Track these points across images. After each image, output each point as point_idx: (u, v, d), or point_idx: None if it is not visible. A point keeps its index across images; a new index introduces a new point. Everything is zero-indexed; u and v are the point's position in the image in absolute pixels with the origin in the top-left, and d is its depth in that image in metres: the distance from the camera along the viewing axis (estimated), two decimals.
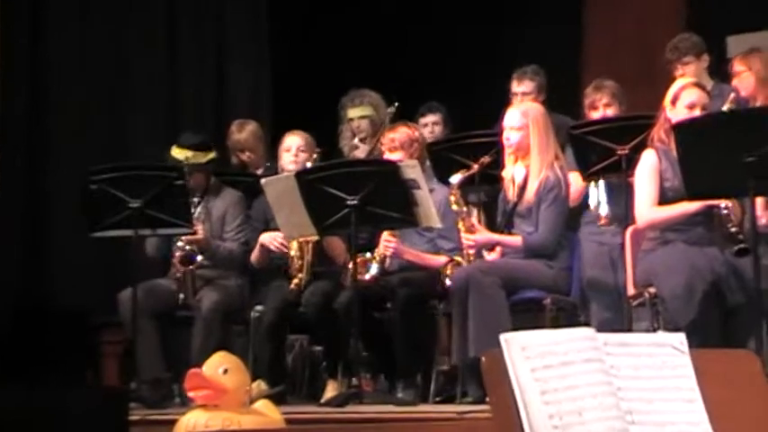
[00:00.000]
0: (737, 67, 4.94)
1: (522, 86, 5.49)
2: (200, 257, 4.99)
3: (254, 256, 5.10)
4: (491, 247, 4.75)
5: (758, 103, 4.88)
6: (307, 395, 5.23)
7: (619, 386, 1.78)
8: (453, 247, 4.82)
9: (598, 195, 4.89)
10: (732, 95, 4.82)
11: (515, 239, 4.64)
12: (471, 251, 4.71)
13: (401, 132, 4.94)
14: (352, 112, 5.75)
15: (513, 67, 5.62)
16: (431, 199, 4.55)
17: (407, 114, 5.72)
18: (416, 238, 4.95)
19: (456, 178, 4.69)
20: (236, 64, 7.15)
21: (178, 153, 5.10)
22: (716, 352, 2.05)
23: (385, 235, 4.83)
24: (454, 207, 4.68)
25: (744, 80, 4.89)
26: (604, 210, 4.82)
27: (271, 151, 5.59)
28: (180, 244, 4.98)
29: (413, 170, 4.54)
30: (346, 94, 5.88)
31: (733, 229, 4.09)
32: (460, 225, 4.69)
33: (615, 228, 4.77)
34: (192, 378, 2.94)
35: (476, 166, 4.76)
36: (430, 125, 5.85)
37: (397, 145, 4.87)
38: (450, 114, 5.93)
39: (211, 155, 5.19)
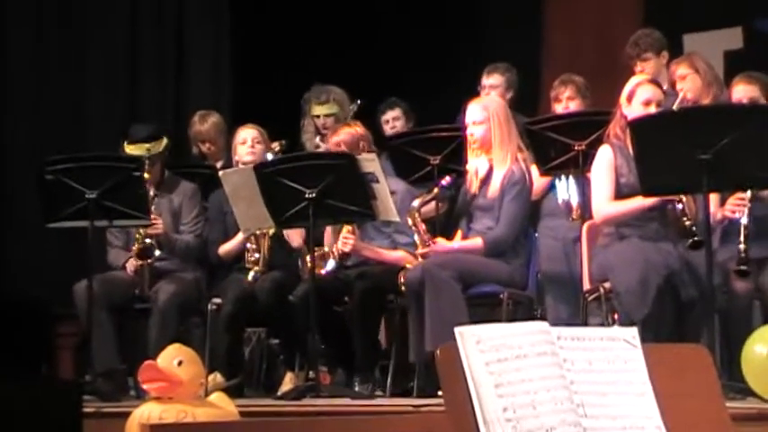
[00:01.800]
0: (682, 70, 4.98)
1: (491, 79, 5.52)
2: (158, 252, 4.96)
3: (227, 249, 5.08)
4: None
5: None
6: (264, 388, 5.22)
7: (572, 379, 1.79)
8: (410, 241, 4.82)
9: (567, 189, 4.92)
10: (681, 96, 4.86)
11: (475, 242, 4.65)
12: (427, 240, 4.72)
13: (344, 134, 4.94)
14: (318, 110, 5.72)
15: (475, 65, 5.65)
16: (389, 192, 4.56)
17: (370, 110, 5.70)
18: (374, 234, 4.95)
19: (416, 202, 4.70)
20: (196, 55, 7.11)
21: (134, 149, 5.05)
22: (668, 346, 2.07)
23: (343, 231, 4.82)
24: (413, 228, 4.68)
25: (690, 82, 4.94)
26: (575, 202, 4.85)
27: (229, 144, 5.56)
28: (139, 237, 4.95)
29: (371, 163, 4.54)
30: (309, 88, 5.86)
31: (687, 222, 4.14)
32: (417, 240, 4.68)
33: (577, 222, 4.80)
34: (146, 370, 2.92)
35: (436, 190, 4.77)
36: (391, 121, 5.85)
37: (343, 148, 4.86)
38: (412, 110, 5.93)
39: (166, 141, 5.16)
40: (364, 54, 6.78)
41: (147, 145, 5.05)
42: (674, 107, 4.72)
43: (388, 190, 4.54)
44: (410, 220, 4.69)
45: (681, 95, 4.83)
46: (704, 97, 4.92)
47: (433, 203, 4.84)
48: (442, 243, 4.69)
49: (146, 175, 4.86)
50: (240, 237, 5.01)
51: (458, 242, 4.71)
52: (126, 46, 6.92)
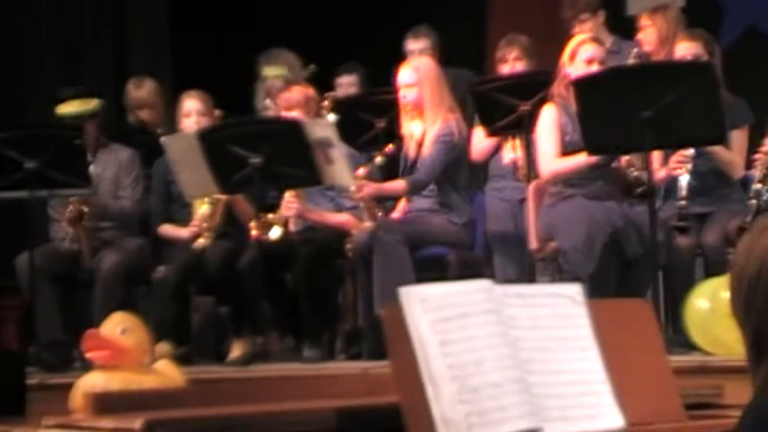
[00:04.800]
0: (644, 21, 5.02)
1: (418, 43, 5.50)
2: (82, 207, 4.86)
3: (168, 234, 5.03)
4: (384, 199, 4.77)
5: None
6: (213, 356, 5.18)
7: (517, 336, 1.79)
8: (355, 204, 4.82)
9: (517, 151, 4.92)
10: (635, 50, 4.90)
11: (399, 184, 4.71)
12: (373, 207, 4.73)
13: (296, 91, 4.92)
14: (267, 71, 5.66)
15: (418, 25, 5.60)
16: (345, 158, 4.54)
17: (323, 76, 5.63)
18: (319, 197, 4.93)
19: (360, 171, 4.71)
20: (134, 20, 6.98)
21: (64, 107, 4.97)
22: (611, 301, 2.09)
23: (287, 196, 4.80)
24: (357, 197, 4.70)
25: (648, 35, 4.98)
26: (521, 162, 4.86)
27: (170, 110, 5.47)
28: (70, 209, 4.87)
29: (326, 128, 4.51)
30: (251, 51, 5.79)
31: (635, 174, 4.19)
32: (362, 208, 4.71)
33: (524, 182, 4.82)
34: (89, 339, 2.87)
35: (379, 158, 4.77)
36: (345, 86, 5.80)
37: (293, 104, 4.84)
38: (368, 77, 5.86)
39: (97, 101, 5.08)
40: (307, 16, 6.70)
41: (77, 102, 4.97)
42: (631, 57, 4.76)
43: (343, 154, 4.52)
44: (354, 188, 4.68)
45: (635, 50, 4.88)
46: (659, 52, 4.95)
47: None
48: (369, 185, 4.66)
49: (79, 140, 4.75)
50: (186, 232, 4.93)
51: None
52: (61, 11, 6.77)
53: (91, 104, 5.03)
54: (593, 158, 4.24)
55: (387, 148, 4.79)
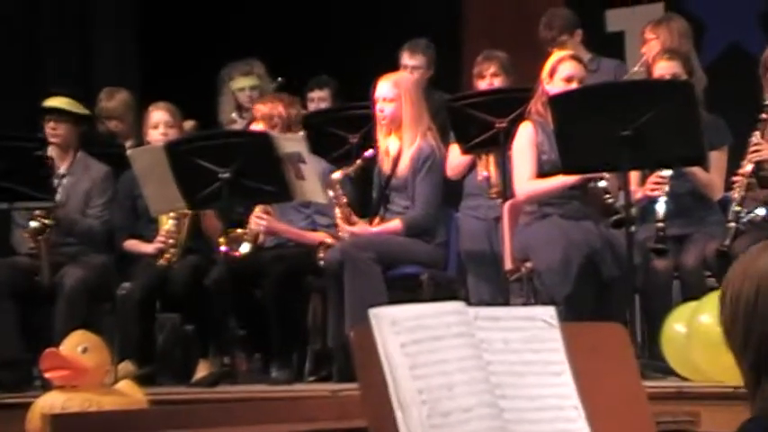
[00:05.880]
0: (647, 35, 5.00)
1: (414, 60, 5.44)
2: (47, 221, 4.76)
3: (133, 249, 4.94)
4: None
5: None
6: (178, 376, 5.08)
7: (489, 360, 1.75)
8: (330, 223, 4.75)
9: (491, 169, 4.88)
10: (643, 59, 4.89)
11: (394, 225, 4.63)
12: (349, 214, 4.68)
13: (281, 105, 4.85)
14: (242, 82, 5.60)
15: (394, 40, 5.56)
16: (317, 174, 4.48)
17: (295, 90, 5.58)
18: (294, 215, 4.85)
19: (337, 174, 4.64)
20: (101, 32, 6.91)
21: (54, 101, 4.91)
22: (585, 325, 2.04)
23: (256, 211, 4.72)
24: (333, 201, 4.64)
25: (652, 48, 4.96)
26: (496, 181, 4.82)
27: (138, 122, 5.39)
28: (35, 220, 4.77)
29: (297, 143, 4.45)
30: (220, 61, 5.72)
31: (610, 200, 4.15)
32: (338, 213, 4.64)
33: (498, 200, 4.78)
34: (48, 358, 2.79)
35: (358, 161, 4.71)
36: (316, 101, 5.74)
37: (275, 115, 4.76)
38: (341, 91, 5.81)
39: (87, 111, 5.05)
40: (277, 28, 6.65)
41: (68, 100, 4.91)
42: (638, 65, 4.75)
43: (315, 170, 4.46)
44: (331, 192, 4.61)
45: (642, 59, 4.87)
46: None
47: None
48: (362, 227, 4.63)
49: (55, 139, 4.70)
50: (151, 247, 4.84)
51: (377, 227, 4.67)
52: (25, 20, 6.68)
53: (81, 109, 5.00)
54: (568, 181, 4.19)
55: (367, 153, 4.72)
